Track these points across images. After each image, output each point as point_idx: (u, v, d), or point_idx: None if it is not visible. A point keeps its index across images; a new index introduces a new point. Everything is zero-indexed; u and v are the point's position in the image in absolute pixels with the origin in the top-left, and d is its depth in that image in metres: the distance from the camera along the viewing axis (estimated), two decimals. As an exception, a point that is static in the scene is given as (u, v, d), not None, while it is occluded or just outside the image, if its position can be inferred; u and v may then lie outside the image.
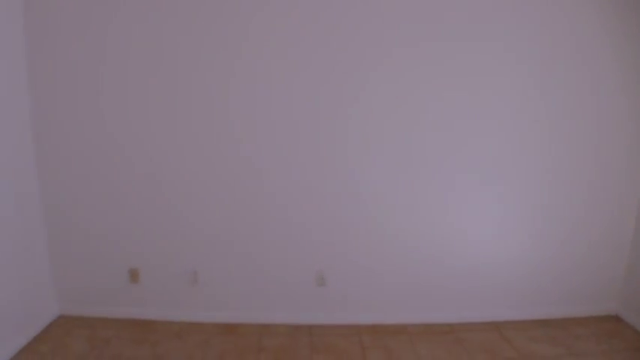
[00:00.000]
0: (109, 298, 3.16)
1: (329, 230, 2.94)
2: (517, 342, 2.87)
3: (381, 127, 2.80)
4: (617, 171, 2.94)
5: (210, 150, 2.86)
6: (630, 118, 2.85)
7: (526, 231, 2.99)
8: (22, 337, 2.86)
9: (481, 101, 2.79)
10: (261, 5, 2.66)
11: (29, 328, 2.94)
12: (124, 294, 3.13)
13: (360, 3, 2.66)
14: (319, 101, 2.77)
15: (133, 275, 3.07)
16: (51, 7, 2.74)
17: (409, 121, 2.80)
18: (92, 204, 3.01)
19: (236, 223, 2.95)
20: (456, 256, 3.00)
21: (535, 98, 2.80)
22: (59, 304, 3.21)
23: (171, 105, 2.81)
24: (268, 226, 2.94)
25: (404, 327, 3.04)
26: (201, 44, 2.72)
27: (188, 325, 3.06)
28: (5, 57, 2.72)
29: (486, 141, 2.85)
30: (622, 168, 2.93)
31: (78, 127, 2.89)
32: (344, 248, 2.97)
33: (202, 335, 2.93)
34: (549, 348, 2.80)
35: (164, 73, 2.77)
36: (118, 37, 2.74)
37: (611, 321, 3.11)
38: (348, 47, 2.71)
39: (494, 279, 3.04)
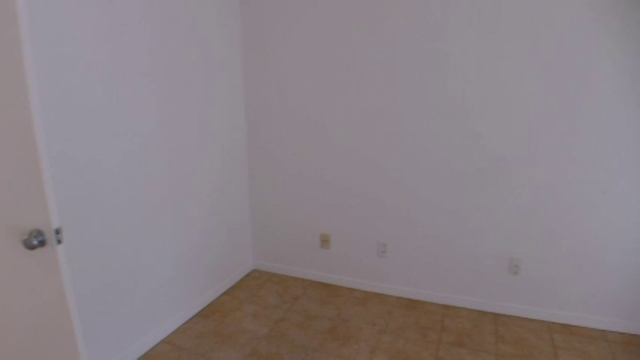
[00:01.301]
0: (300, 259, 3.51)
1: (528, 219, 2.82)
2: None
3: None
4: None
5: (413, 138, 2.94)
6: None
7: None
8: (226, 282, 3.35)
9: None
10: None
11: (231, 276, 3.43)
12: (314, 257, 3.45)
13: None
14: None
15: (324, 241, 3.35)
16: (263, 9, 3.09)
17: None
18: (292, 171, 3.36)
19: (429, 202, 3.00)
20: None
21: None
22: (254, 260, 3.68)
23: (376, 91, 2.96)
24: (461, 207, 2.93)
25: (603, 333, 2.80)
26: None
27: (371, 295, 3.25)
28: (231, 53, 3.17)
29: None
30: None
31: (286, 106, 3.24)
32: (544, 239, 2.81)
33: (385, 306, 3.09)
34: None
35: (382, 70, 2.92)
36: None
37: None
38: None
39: None
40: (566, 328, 2.84)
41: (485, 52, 2.63)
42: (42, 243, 1.37)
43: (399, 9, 2.77)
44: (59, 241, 1.37)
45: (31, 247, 1.36)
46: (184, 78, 2.76)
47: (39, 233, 1.36)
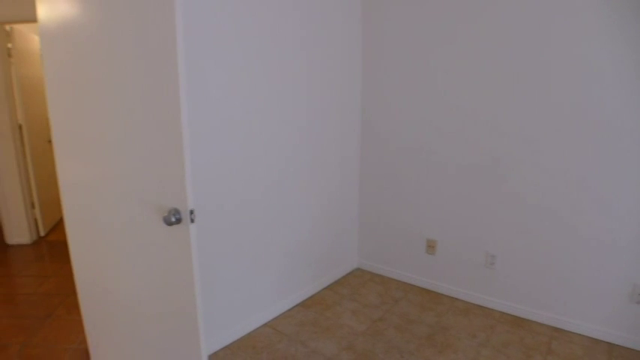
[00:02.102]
0: (404, 262, 3.56)
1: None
2: None
3: None
4: None
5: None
6: None
7: None
8: (329, 277, 3.53)
9: None
10: None
11: (334, 272, 3.60)
12: (418, 262, 3.48)
13: None
14: None
15: (430, 246, 3.36)
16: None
17: None
18: (403, 174, 3.42)
19: (545, 214, 2.85)
20: None
21: None
22: (358, 259, 3.82)
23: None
24: (580, 226, 2.74)
25: None
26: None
27: (474, 306, 3.18)
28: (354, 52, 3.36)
29: None
30: None
31: (401, 110, 3.32)
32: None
33: (488, 320, 3.01)
34: None
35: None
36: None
37: None
38: None
39: None
40: None
41: None
42: (178, 220, 1.64)
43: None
44: (192, 220, 1.63)
45: (169, 224, 1.63)
46: (312, 80, 3.02)
47: (176, 212, 1.63)
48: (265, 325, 2.96)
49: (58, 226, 5.21)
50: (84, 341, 2.61)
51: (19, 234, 4.62)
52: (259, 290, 2.93)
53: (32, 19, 3.90)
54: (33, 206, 4.69)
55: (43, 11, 1.98)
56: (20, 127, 4.47)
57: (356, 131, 3.58)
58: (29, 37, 4.69)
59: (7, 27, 4.22)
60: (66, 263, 4.10)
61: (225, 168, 2.53)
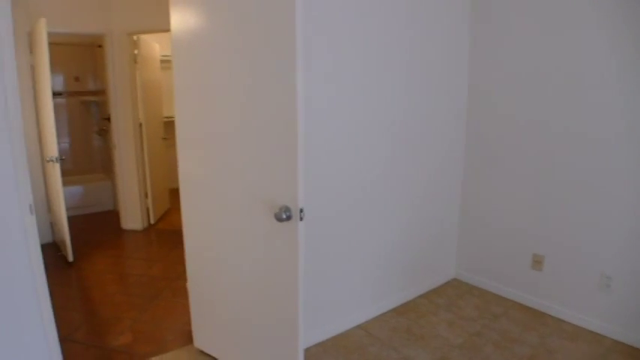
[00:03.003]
0: (506, 276, 3.41)
1: None
2: None
3: None
4: None
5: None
6: None
7: None
8: (424, 285, 3.50)
9: None
10: None
11: (430, 280, 3.56)
12: (522, 277, 3.31)
13: None
14: None
15: (537, 262, 3.19)
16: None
17: None
18: (514, 183, 3.29)
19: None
20: None
21: None
22: (456, 268, 3.74)
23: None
24: None
25: None
26: None
27: (583, 331, 2.96)
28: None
29: None
30: None
31: (515, 114, 3.22)
32: None
33: (598, 347, 2.79)
34: None
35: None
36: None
37: None
38: None
39: None
40: None
41: None
42: (288, 217, 1.75)
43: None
44: (301, 218, 1.74)
45: (280, 220, 1.76)
46: (414, 80, 3.06)
47: (287, 209, 1.75)
48: (358, 327, 3.02)
49: (165, 216, 5.73)
50: (187, 323, 2.86)
51: (133, 220, 5.17)
52: (353, 292, 2.99)
53: (155, 29, 4.49)
54: (146, 196, 5.21)
55: (175, 20, 2.22)
56: (140, 125, 4.99)
57: (460, 134, 3.51)
58: (151, 45, 5.23)
59: (135, 37, 4.76)
60: (172, 250, 4.52)
61: (324, 169, 2.63)
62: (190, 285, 2.63)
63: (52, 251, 4.40)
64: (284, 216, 1.74)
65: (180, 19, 2.19)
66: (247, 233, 2.06)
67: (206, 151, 2.22)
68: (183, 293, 3.49)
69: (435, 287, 3.59)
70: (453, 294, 3.50)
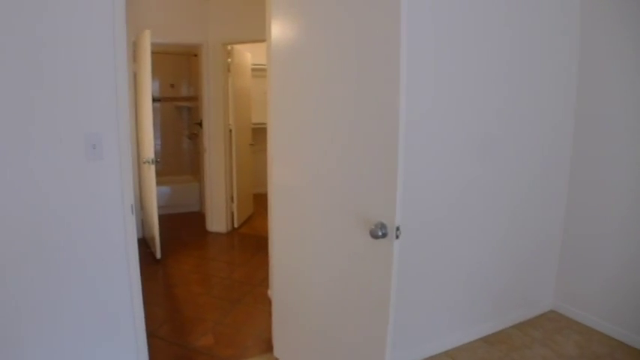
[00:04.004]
0: (615, 312, 3.07)
1: None
2: None
3: None
4: None
5: None
6: None
7: None
8: (516, 315, 3.27)
9: None
10: None
11: (522, 310, 3.31)
12: (635, 315, 2.96)
13: None
14: None
15: (654, 298, 2.87)
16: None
17: None
18: (625, 201, 2.98)
19: None
20: None
21: None
22: (553, 299, 3.46)
23: None
24: None
25: None
26: None
27: None
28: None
29: None
30: None
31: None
32: None
33: None
34: None
35: None
36: None
37: None
38: None
39: None
40: None
41: None
42: (384, 235, 1.71)
43: None
44: (397, 237, 1.69)
45: (375, 237, 1.71)
46: (512, 85, 2.90)
47: (383, 226, 1.71)
48: (444, 353, 2.88)
49: (248, 221, 5.91)
50: (267, 331, 2.90)
51: (218, 223, 5.38)
52: (438, 316, 2.86)
53: (248, 40, 4.76)
54: (232, 200, 5.41)
55: (275, 32, 2.27)
56: (230, 131, 5.21)
57: (566, 149, 3.23)
58: (243, 54, 5.46)
59: (229, 46, 5.00)
60: (254, 255, 4.63)
61: (412, 188, 2.54)
62: (273, 294, 2.66)
63: (141, 247, 4.69)
64: (380, 233, 1.70)
65: (280, 31, 2.24)
66: (338, 248, 2.04)
67: (301, 163, 2.24)
68: (265, 300, 3.56)
69: (529, 318, 3.34)
70: (550, 327, 3.23)
